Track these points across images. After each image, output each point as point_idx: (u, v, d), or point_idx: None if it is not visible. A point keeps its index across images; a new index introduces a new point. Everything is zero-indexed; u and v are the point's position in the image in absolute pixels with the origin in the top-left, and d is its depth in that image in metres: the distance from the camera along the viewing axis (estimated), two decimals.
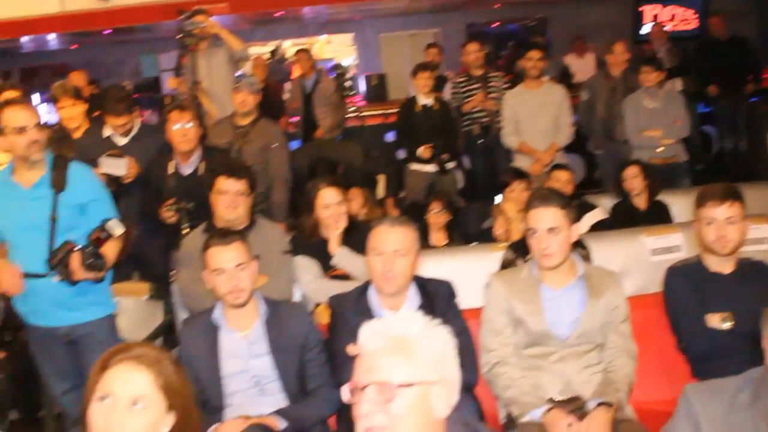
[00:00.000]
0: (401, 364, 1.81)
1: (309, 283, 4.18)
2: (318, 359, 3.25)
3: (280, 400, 3.19)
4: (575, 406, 3.04)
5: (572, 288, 3.23)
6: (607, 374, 3.15)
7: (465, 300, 3.43)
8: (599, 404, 3.00)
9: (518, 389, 3.10)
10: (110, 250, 3.93)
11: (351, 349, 3.04)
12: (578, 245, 3.84)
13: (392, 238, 3.13)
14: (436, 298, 3.24)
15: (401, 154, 7.22)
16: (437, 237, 5.47)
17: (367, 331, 1.88)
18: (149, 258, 5.27)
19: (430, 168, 6.81)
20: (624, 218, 5.50)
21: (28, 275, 3.94)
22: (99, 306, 4.04)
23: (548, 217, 3.13)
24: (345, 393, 1.87)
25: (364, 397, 1.80)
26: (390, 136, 8.14)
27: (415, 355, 1.83)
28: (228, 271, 3.18)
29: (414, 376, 1.81)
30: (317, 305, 4.07)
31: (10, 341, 5.09)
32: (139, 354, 1.97)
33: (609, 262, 3.91)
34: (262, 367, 3.20)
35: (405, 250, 3.13)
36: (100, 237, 3.91)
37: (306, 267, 4.22)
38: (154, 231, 5.12)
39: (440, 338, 1.88)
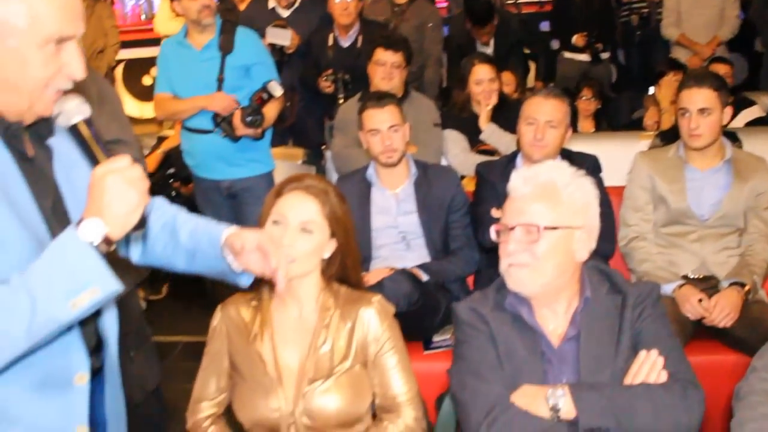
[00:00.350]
0: (548, 208, 1.96)
1: (456, 156, 4.35)
2: (462, 221, 3.43)
3: (424, 256, 3.41)
4: (708, 285, 3.12)
5: (718, 170, 3.25)
6: (744, 257, 3.19)
7: (609, 179, 3.51)
8: (732, 284, 3.07)
9: (653, 264, 3.19)
10: (270, 110, 4.23)
11: (495, 213, 3.22)
12: (732, 138, 3.79)
13: (545, 109, 3.23)
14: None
15: (555, 44, 7.16)
16: (585, 124, 5.49)
17: (518, 178, 2.02)
18: (305, 126, 5.55)
19: (584, 57, 6.75)
20: None
21: (195, 131, 4.33)
22: (258, 163, 4.36)
23: (700, 97, 3.13)
24: (492, 233, 2.04)
25: (511, 237, 1.97)
26: (545, 26, 8.03)
27: (561, 201, 1.97)
28: (382, 131, 3.38)
29: (558, 221, 1.95)
30: (462, 177, 4.24)
31: (176, 195, 5.60)
32: (309, 184, 2.20)
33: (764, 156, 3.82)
34: (409, 223, 3.42)
35: (557, 122, 3.24)
36: (261, 97, 4.21)
37: (454, 140, 4.40)
38: (311, 100, 5.39)
39: (585, 187, 2.01)
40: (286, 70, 5.10)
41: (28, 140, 1.57)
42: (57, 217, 1.57)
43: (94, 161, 1.52)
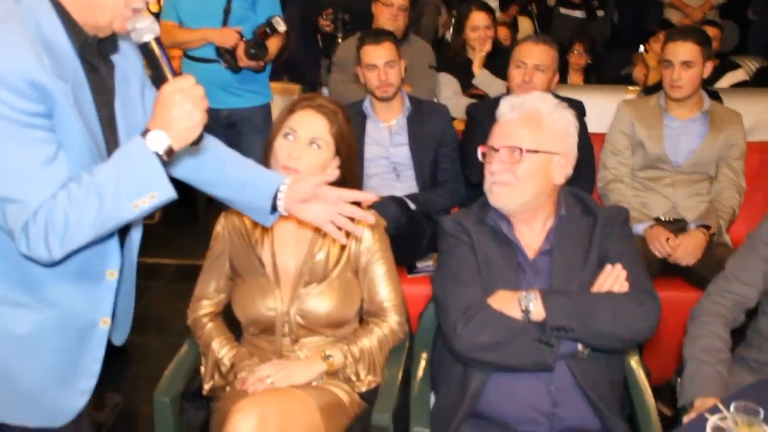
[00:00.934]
0: (531, 133, 2.15)
1: (448, 98, 4.51)
2: (451, 155, 3.60)
3: (413, 187, 3.59)
4: (677, 227, 3.33)
5: (695, 120, 3.43)
6: (713, 203, 3.39)
7: (594, 127, 3.68)
8: (699, 226, 3.28)
9: (628, 205, 3.37)
10: (272, 44, 4.32)
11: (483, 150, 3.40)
12: (713, 97, 3.96)
13: (535, 53, 3.39)
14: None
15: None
16: (574, 77, 5.64)
17: (506, 104, 2.20)
18: (301, 64, 5.65)
19: (579, 13, 6.89)
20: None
21: (198, 59, 4.44)
22: (257, 94, 4.47)
23: (684, 50, 3.31)
24: (479, 154, 2.23)
25: (495, 158, 2.16)
26: None
27: (543, 128, 2.16)
28: (379, 67, 3.53)
29: (540, 145, 2.14)
30: (453, 120, 4.40)
31: None
32: (321, 104, 2.36)
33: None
34: (401, 155, 3.59)
35: (545, 66, 3.40)
36: (265, 31, 4.30)
37: (447, 83, 4.56)
38: (310, 38, 5.49)
39: (566, 118, 2.20)
40: (288, 7, 5.19)
41: (97, 54, 1.71)
42: (111, 129, 1.73)
43: (161, 78, 1.64)
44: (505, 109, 2.20)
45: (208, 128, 4.52)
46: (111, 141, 1.72)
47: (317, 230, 2.37)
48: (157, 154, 1.55)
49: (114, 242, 1.76)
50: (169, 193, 1.58)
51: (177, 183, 5.23)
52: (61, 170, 1.55)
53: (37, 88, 1.50)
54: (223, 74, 4.34)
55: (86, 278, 1.74)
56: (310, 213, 1.92)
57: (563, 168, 2.18)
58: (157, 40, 1.67)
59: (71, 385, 1.78)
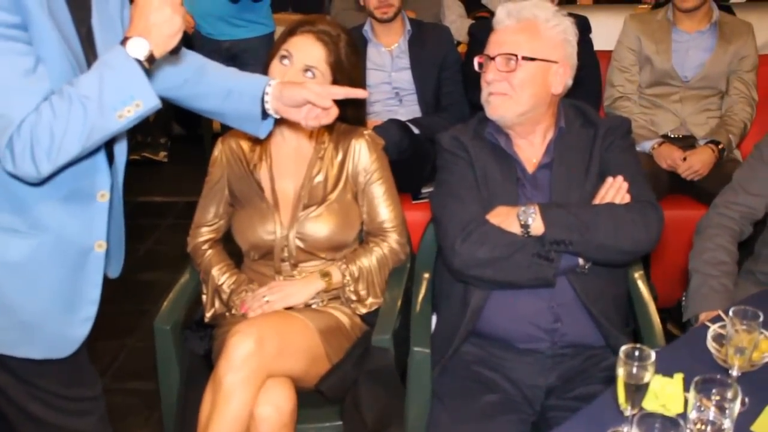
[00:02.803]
0: (527, 40, 2.07)
1: (453, 22, 4.42)
2: (454, 78, 3.53)
3: (416, 112, 3.53)
4: (686, 143, 3.25)
5: (704, 33, 3.34)
6: (723, 117, 3.32)
7: (600, 43, 3.59)
8: (708, 142, 3.20)
9: (635, 123, 3.29)
10: None
11: None
12: (725, 10, 3.84)
13: None
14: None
15: None
16: None
17: (502, 11, 2.12)
18: None
19: None
20: None
21: None
22: (259, 24, 4.41)
23: None
24: (476, 64, 2.15)
25: (491, 67, 2.09)
26: None
27: (540, 35, 2.08)
28: None
29: (536, 52, 2.06)
30: (458, 44, 4.31)
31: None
32: (322, 29, 2.27)
33: (755, 31, 3.86)
34: (403, 80, 3.51)
35: None
36: None
37: (451, 6, 4.47)
38: None
39: (565, 24, 2.11)
40: None
41: None
42: (89, 45, 1.68)
43: None
44: (501, 16, 2.12)
45: (211, 59, 4.45)
46: (90, 57, 1.67)
47: (315, 152, 2.33)
48: (139, 61, 1.52)
49: (103, 162, 1.72)
50: (154, 101, 1.54)
51: (183, 119, 5.23)
52: (42, 82, 1.51)
53: None
54: (222, 5, 4.29)
55: (77, 200, 1.70)
56: (299, 115, 1.87)
57: (561, 77, 2.10)
58: None
59: (72, 313, 1.75)
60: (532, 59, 2.05)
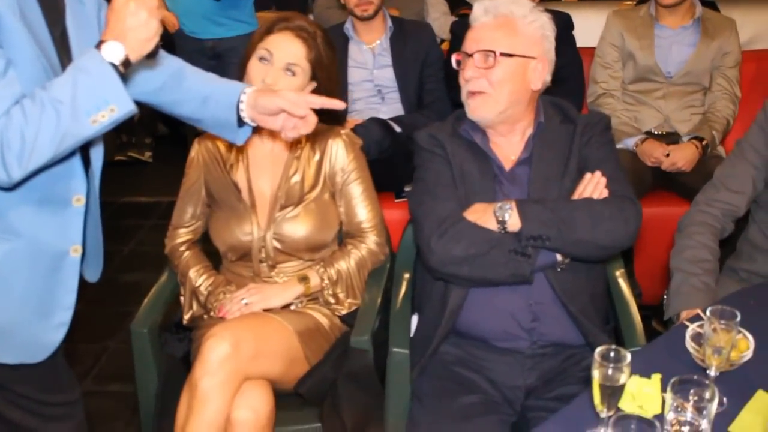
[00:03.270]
0: (505, 36, 2.05)
1: (436, 20, 4.39)
2: (436, 75, 3.50)
3: (398, 110, 3.50)
4: (669, 140, 3.24)
5: (687, 29, 3.32)
6: (706, 114, 3.30)
7: (584, 39, 3.57)
8: (691, 138, 3.19)
9: (618, 120, 3.30)
10: None
11: None
12: (711, 7, 3.82)
13: None
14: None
15: None
16: None
17: (479, 8, 2.10)
18: None
19: None
20: None
21: None
22: (242, 23, 4.37)
23: None
24: (453, 61, 2.13)
25: (469, 64, 2.06)
26: None
27: (518, 31, 2.06)
28: None
29: (514, 48, 2.04)
30: (442, 42, 4.29)
31: None
32: (299, 25, 2.25)
33: (739, 27, 3.85)
34: (385, 77, 3.49)
35: None
36: None
37: (435, 3, 4.44)
38: None
39: (542, 20, 2.09)
40: None
41: None
42: (64, 47, 1.65)
43: None
44: (478, 12, 2.10)
45: (193, 59, 4.50)
46: (65, 59, 1.64)
47: (292, 152, 2.30)
48: (114, 65, 1.49)
49: (78, 167, 1.69)
50: (128, 106, 1.51)
51: (168, 119, 5.15)
52: (12, 86, 1.48)
53: None
54: (205, 3, 4.26)
55: (52, 205, 1.68)
56: (276, 123, 1.84)
57: (540, 73, 2.08)
58: None
59: (46, 318, 1.73)
60: (511, 55, 2.03)
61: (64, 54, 1.65)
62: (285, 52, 2.21)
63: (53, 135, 1.47)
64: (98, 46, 1.50)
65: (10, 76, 1.49)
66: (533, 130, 2.12)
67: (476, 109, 2.07)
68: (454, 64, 2.12)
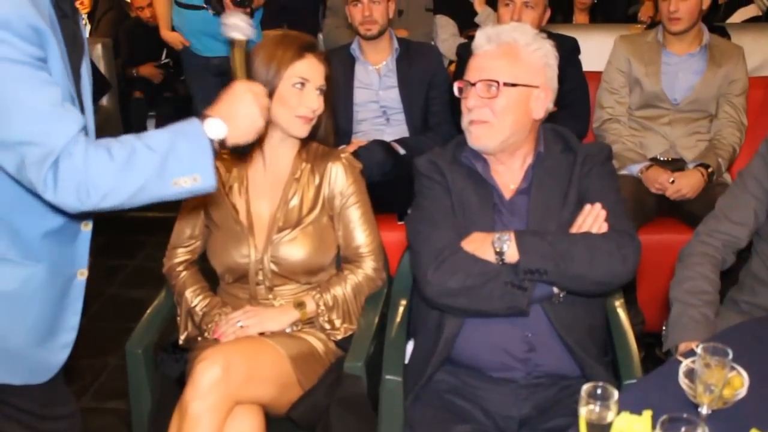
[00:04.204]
0: (508, 65, 2.02)
1: (445, 41, 4.39)
2: (442, 98, 3.48)
3: (403, 132, 3.49)
4: (675, 166, 3.21)
5: (694, 56, 3.30)
6: (712, 141, 3.27)
7: (592, 63, 3.55)
8: (697, 165, 3.16)
9: (624, 145, 3.28)
10: None
11: None
12: (719, 32, 3.81)
13: None
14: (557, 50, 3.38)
15: None
16: (580, 17, 5.49)
17: (481, 36, 2.08)
18: (299, 8, 5.53)
19: None
20: None
21: (186, 6, 4.35)
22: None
23: None
24: (455, 89, 2.11)
25: (471, 93, 2.05)
26: None
27: (521, 59, 2.04)
28: (363, 2, 3.40)
29: (518, 78, 2.02)
30: (451, 63, 4.29)
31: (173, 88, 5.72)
32: (318, 47, 2.28)
33: (749, 53, 3.84)
34: (390, 98, 3.48)
35: (534, 2, 3.28)
36: None
37: (444, 25, 4.44)
38: None
39: (545, 48, 2.07)
40: None
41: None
42: (76, 74, 1.67)
43: (234, 76, 1.75)
44: (481, 41, 2.08)
45: (199, 76, 4.51)
46: (78, 93, 1.68)
47: (292, 174, 2.30)
48: (211, 141, 1.56)
49: None
50: (211, 180, 1.56)
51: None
52: (74, 111, 1.53)
53: (37, 32, 1.48)
54: (212, 21, 4.28)
55: (67, 230, 1.71)
56: None
57: (543, 102, 2.06)
58: (247, 42, 1.77)
59: (52, 340, 1.76)
60: (514, 85, 2.01)
61: (78, 82, 1.69)
62: (318, 77, 2.23)
63: (136, 181, 1.50)
64: (203, 117, 1.58)
65: (68, 106, 1.52)
66: (533, 160, 2.10)
67: (478, 138, 2.05)
68: (456, 92, 2.10)
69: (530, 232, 1.98)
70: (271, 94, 2.16)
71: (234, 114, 1.61)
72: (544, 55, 2.06)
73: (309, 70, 2.21)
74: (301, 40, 2.26)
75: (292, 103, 2.20)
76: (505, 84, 2.01)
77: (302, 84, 2.20)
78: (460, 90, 2.10)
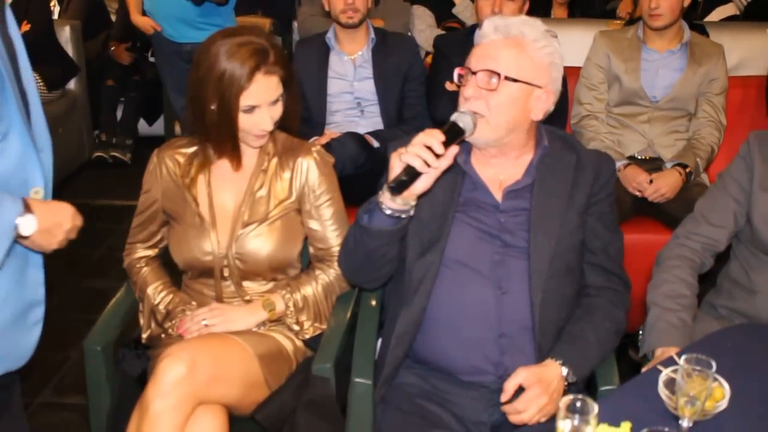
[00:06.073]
0: (512, 59, 1.92)
1: (422, 32, 4.32)
2: (418, 90, 3.42)
3: (377, 124, 3.42)
4: (653, 166, 3.17)
5: (674, 53, 3.26)
6: (691, 141, 3.24)
7: (571, 58, 3.49)
8: (675, 165, 3.12)
9: (602, 143, 3.23)
10: None
11: (449, 86, 3.21)
12: (699, 31, 3.77)
13: None
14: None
15: None
16: (558, 11, 5.44)
17: (489, 25, 1.98)
18: None
19: None
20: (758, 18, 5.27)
21: None
22: (221, 28, 4.29)
23: None
24: (456, 75, 1.99)
25: (471, 81, 1.94)
26: None
27: (527, 55, 1.94)
28: None
29: (520, 74, 1.92)
30: (427, 54, 4.22)
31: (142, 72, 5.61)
32: (270, 61, 2.06)
33: (727, 52, 3.81)
34: (365, 90, 3.41)
35: None
36: None
37: (421, 15, 4.37)
38: None
39: (553, 47, 1.98)
40: None
41: None
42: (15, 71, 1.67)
43: None
44: (488, 30, 1.97)
45: (170, 61, 4.42)
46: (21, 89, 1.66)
47: (258, 164, 2.21)
48: (17, 232, 1.60)
49: (34, 158, 1.69)
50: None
51: (147, 113, 5.08)
52: None
53: None
54: (186, 7, 4.19)
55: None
56: None
57: (543, 104, 1.97)
58: None
59: (24, 318, 1.73)
60: (515, 80, 1.92)
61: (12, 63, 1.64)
62: (269, 94, 2.10)
63: None
64: (27, 206, 1.60)
65: None
66: (535, 155, 2.04)
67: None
68: (455, 78, 2.00)
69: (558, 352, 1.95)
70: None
71: (49, 227, 1.65)
72: (550, 54, 1.96)
73: (258, 94, 2.08)
74: (249, 61, 2.05)
75: (245, 126, 2.11)
76: (507, 78, 1.91)
77: (252, 108, 2.09)
78: (461, 77, 2.00)
